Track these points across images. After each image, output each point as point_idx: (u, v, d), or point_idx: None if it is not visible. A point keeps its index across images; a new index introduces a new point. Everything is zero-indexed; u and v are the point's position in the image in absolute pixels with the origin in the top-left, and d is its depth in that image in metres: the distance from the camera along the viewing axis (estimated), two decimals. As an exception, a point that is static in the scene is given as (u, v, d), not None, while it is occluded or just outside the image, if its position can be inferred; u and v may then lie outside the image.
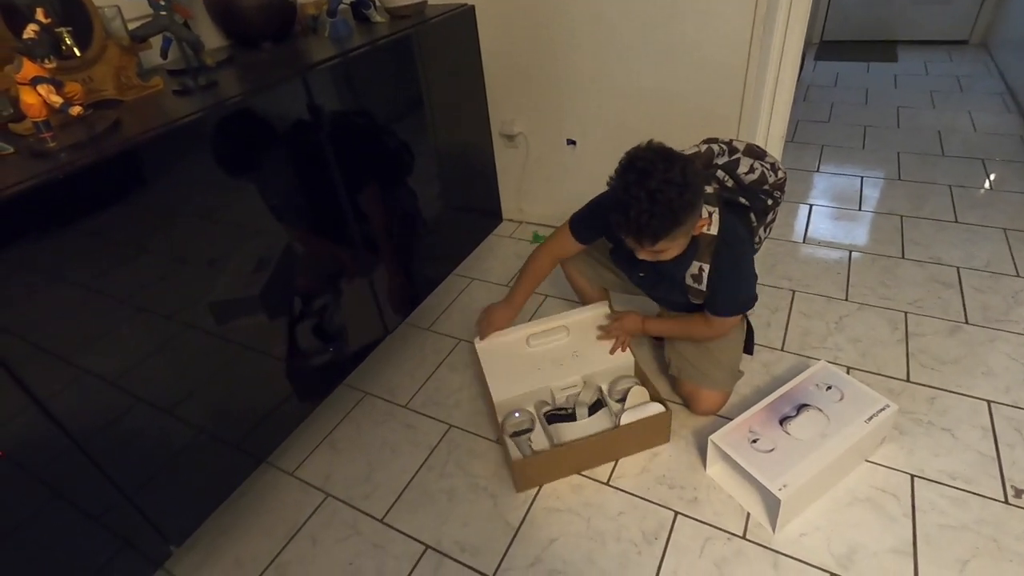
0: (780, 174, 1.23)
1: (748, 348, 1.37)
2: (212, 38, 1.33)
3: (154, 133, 0.85)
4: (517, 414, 1.30)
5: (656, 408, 1.24)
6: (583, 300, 1.54)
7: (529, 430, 1.29)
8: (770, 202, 1.23)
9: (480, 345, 1.22)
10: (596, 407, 1.32)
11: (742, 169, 1.18)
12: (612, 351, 1.35)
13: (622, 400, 1.30)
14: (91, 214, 0.80)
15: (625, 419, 1.23)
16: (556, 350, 1.37)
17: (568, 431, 1.28)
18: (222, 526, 1.25)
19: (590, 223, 1.26)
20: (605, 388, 1.35)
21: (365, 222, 1.34)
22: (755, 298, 1.19)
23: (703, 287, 1.16)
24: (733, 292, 1.16)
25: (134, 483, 0.94)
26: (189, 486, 1.07)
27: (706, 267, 1.14)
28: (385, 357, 1.65)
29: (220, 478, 1.14)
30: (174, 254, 0.94)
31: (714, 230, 1.11)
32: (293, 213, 1.17)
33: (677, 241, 1.03)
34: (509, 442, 1.24)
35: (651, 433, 1.26)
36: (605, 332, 1.36)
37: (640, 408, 1.25)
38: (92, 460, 0.86)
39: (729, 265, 1.13)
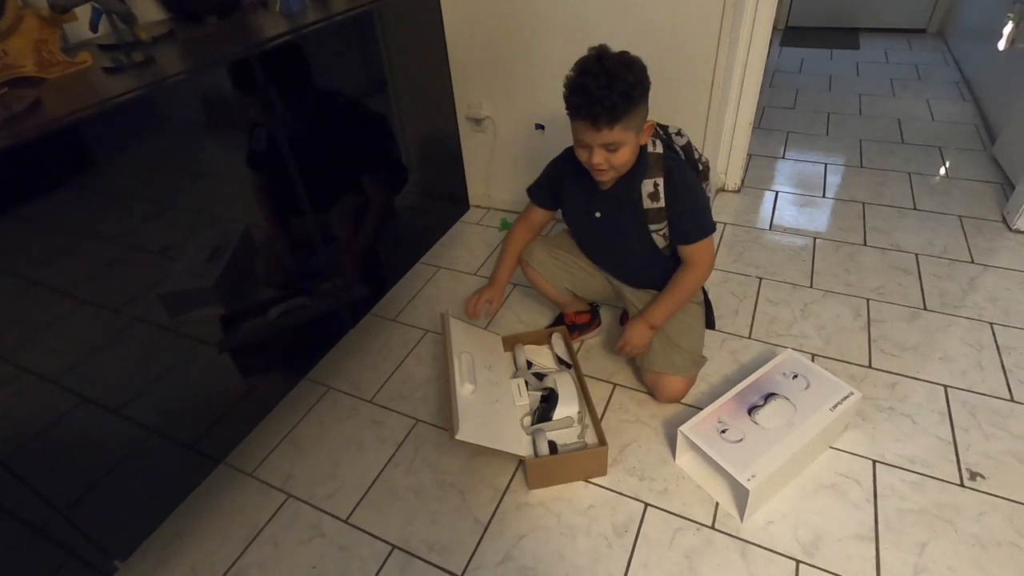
0: (704, 158, 1.31)
1: (710, 323, 1.38)
2: (152, 11, 1.22)
3: (82, 115, 0.77)
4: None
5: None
6: (551, 301, 1.51)
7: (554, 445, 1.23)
8: (700, 167, 1.28)
9: (461, 435, 1.12)
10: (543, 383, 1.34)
11: (672, 130, 1.25)
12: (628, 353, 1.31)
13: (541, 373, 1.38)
14: (12, 202, 0.72)
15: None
16: (484, 377, 1.29)
17: (560, 410, 1.27)
18: (177, 531, 1.19)
19: (545, 184, 1.32)
20: (530, 370, 1.40)
21: (324, 209, 1.27)
22: (714, 221, 1.24)
23: (662, 203, 1.17)
24: (695, 208, 1.18)
25: (71, 496, 0.87)
26: (138, 493, 1.00)
27: (660, 182, 1.16)
28: (349, 350, 1.59)
29: (173, 482, 1.08)
30: (120, 243, 0.87)
31: (660, 149, 1.18)
32: (247, 200, 1.10)
33: (629, 135, 1.06)
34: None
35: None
36: (617, 347, 1.31)
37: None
38: (16, 475, 0.78)
39: (681, 179, 1.16)
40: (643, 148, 1.15)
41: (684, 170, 1.18)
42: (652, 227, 1.20)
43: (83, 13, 0.98)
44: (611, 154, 1.08)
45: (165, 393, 1.01)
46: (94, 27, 0.97)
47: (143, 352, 0.96)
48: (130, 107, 0.83)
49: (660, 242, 1.23)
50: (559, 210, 1.35)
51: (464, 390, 1.22)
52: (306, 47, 1.13)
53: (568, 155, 1.24)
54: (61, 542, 0.90)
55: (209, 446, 1.15)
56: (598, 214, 1.24)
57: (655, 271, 1.30)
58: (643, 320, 1.27)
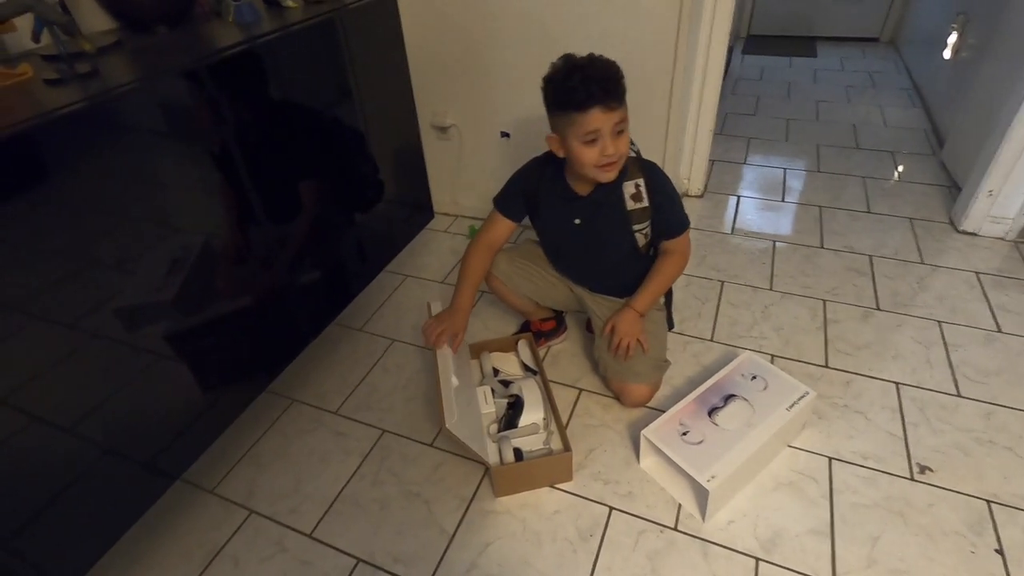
0: None
1: (669, 323, 1.43)
2: (100, 20, 1.20)
3: (17, 129, 0.75)
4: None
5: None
6: (515, 310, 1.53)
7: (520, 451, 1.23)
8: None
9: (451, 425, 1.10)
10: (509, 391, 1.34)
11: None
12: (627, 354, 1.28)
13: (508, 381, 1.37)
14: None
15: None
16: (453, 396, 1.26)
17: (526, 417, 1.27)
18: (133, 553, 1.15)
19: (512, 194, 1.29)
20: (496, 377, 1.40)
21: (282, 221, 1.26)
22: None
23: (645, 203, 1.20)
24: (675, 204, 1.23)
25: (15, 524, 0.84)
26: (88, 515, 0.97)
27: (641, 182, 1.19)
28: (314, 361, 1.57)
29: (125, 502, 1.05)
30: (74, 257, 0.85)
31: (632, 152, 1.19)
32: (206, 211, 1.08)
33: (626, 115, 1.07)
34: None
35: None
36: (613, 347, 1.28)
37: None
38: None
39: (661, 177, 1.21)
40: None
41: (659, 169, 1.22)
42: (636, 227, 1.23)
43: (25, 22, 0.96)
44: (619, 139, 1.07)
45: (121, 410, 0.98)
46: (36, 37, 0.95)
47: (98, 368, 0.93)
48: (72, 119, 0.81)
49: (641, 240, 1.26)
50: (519, 224, 1.33)
51: (453, 380, 1.21)
52: (260, 58, 1.11)
53: (538, 165, 1.25)
54: (2, 571, 0.86)
55: (166, 463, 1.12)
56: (577, 221, 1.25)
57: (628, 274, 1.33)
58: (630, 309, 1.28)
